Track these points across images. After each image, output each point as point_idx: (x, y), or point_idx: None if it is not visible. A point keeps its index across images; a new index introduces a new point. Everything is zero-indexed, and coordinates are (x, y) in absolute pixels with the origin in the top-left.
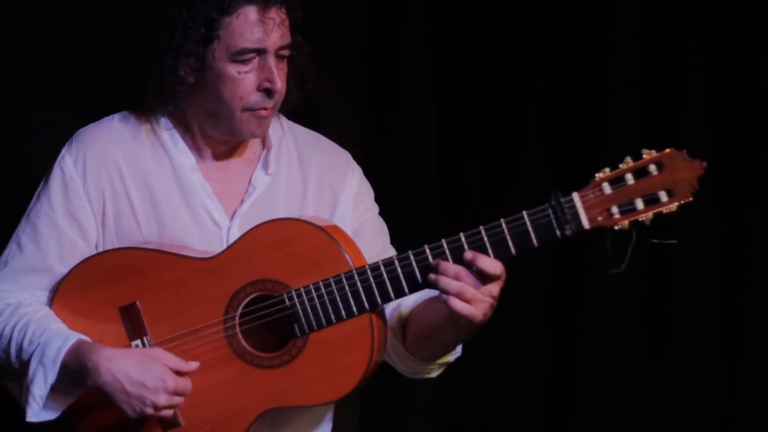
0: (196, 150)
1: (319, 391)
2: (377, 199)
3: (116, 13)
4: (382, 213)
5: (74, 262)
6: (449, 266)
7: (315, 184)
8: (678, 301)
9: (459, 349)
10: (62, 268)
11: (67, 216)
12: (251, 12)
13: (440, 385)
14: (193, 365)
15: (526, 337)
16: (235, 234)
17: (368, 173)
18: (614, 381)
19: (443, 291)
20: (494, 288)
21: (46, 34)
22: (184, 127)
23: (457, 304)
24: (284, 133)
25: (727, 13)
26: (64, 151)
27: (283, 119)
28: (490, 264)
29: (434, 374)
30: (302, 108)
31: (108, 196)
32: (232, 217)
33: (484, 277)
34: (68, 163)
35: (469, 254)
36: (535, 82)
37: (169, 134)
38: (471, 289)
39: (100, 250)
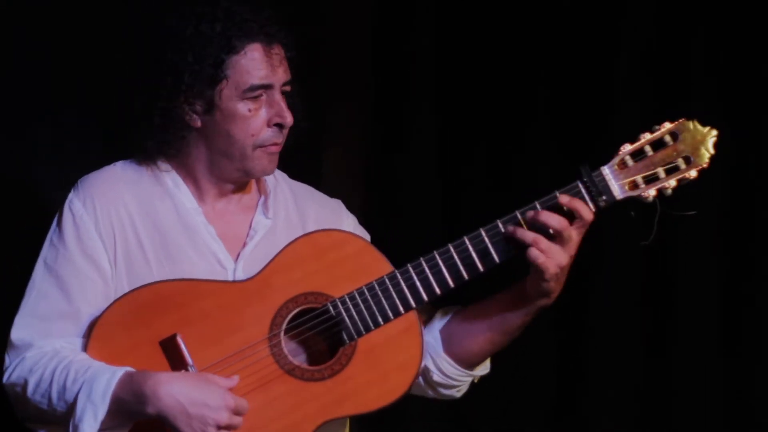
0: (198, 195)
1: (374, 396)
2: (383, 214)
3: (122, 59)
4: (388, 229)
5: (97, 302)
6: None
7: (314, 227)
8: (682, 307)
9: (488, 364)
10: (89, 309)
11: (84, 256)
12: (257, 49)
13: None
14: (235, 380)
15: (529, 341)
16: (240, 276)
17: (372, 189)
18: (617, 386)
19: (522, 242)
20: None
21: (58, 67)
22: (185, 171)
23: (533, 253)
24: (278, 181)
25: (736, 8)
26: (71, 195)
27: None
28: (556, 220)
29: (463, 391)
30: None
31: (118, 237)
32: (236, 260)
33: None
34: (77, 205)
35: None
36: (542, 85)
37: (170, 178)
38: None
39: (114, 291)
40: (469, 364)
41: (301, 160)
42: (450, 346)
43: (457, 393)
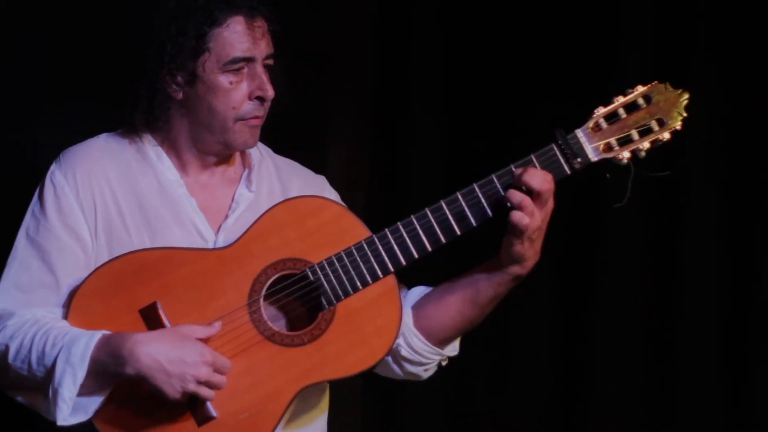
0: (181, 167)
1: (354, 360)
2: (388, 210)
3: (108, 33)
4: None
5: (78, 274)
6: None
7: None
8: (684, 307)
9: (457, 345)
10: (70, 280)
11: (65, 228)
12: (239, 22)
13: (441, 389)
14: (217, 326)
15: (529, 340)
16: None
17: (376, 188)
18: (620, 386)
19: (508, 202)
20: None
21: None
22: (169, 143)
23: (517, 215)
24: (262, 156)
25: None
26: (53, 167)
27: (260, 144)
28: (539, 181)
29: (430, 372)
30: (311, 124)
31: (99, 209)
32: (217, 232)
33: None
34: (59, 177)
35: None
36: (542, 70)
37: (154, 150)
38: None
39: (94, 262)
40: (439, 340)
41: (305, 157)
42: (420, 320)
43: (424, 373)
